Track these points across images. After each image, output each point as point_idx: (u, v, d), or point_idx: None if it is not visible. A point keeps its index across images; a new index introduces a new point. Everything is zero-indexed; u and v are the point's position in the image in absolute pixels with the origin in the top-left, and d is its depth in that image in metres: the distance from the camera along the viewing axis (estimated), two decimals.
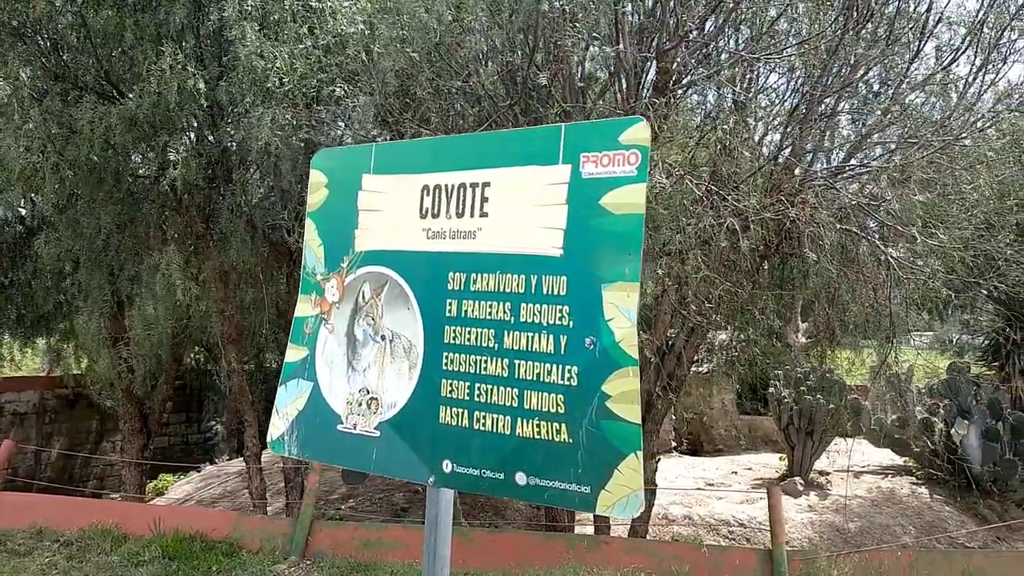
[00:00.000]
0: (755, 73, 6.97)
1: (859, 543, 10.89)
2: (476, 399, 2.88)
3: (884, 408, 14.96)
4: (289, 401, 3.39)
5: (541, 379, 2.73)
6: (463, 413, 2.91)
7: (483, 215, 2.92)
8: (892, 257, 7.45)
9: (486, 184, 2.92)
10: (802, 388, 12.82)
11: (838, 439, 15.78)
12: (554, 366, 2.70)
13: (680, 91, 6.81)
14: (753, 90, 7.03)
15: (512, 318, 2.81)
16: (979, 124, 8.52)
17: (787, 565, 5.96)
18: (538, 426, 2.73)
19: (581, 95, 6.74)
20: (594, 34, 5.90)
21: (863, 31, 6.88)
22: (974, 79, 8.39)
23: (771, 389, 13.25)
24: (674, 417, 15.29)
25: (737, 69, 6.80)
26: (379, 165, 3.27)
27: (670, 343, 8.81)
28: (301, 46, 5.85)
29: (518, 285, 2.80)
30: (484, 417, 2.85)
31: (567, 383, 2.67)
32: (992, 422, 13.16)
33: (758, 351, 16.16)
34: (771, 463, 13.93)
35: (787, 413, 12.84)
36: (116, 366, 9.98)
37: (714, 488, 12.53)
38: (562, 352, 2.69)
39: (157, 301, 7.91)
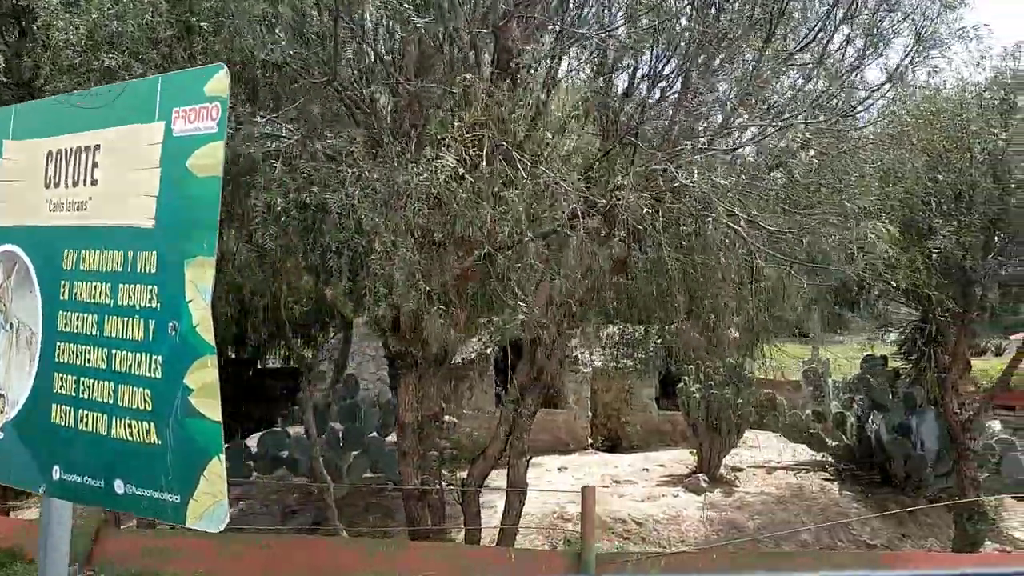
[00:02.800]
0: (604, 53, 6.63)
1: (757, 540, 10.65)
2: (81, 395, 2.49)
3: (803, 403, 14.78)
4: None
5: (132, 372, 2.35)
6: (70, 412, 2.52)
7: (94, 183, 2.53)
8: (756, 246, 7.17)
9: (96, 147, 2.53)
10: (709, 383, 12.55)
11: (757, 434, 15.62)
12: (143, 356, 2.32)
13: (524, 70, 6.46)
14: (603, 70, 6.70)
15: (111, 301, 2.42)
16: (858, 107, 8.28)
17: (595, 568, 5.65)
18: (130, 426, 2.35)
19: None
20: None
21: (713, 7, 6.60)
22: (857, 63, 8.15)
23: (680, 384, 12.98)
24: (591, 414, 14.99)
25: (585, 46, 6.46)
26: (19, 129, 2.86)
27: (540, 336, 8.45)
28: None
29: (117, 263, 2.42)
30: (87, 416, 2.47)
31: (153, 376, 2.29)
32: (906, 417, 12.99)
33: (678, 345, 15.93)
34: (686, 459, 13.66)
35: (695, 408, 12.57)
36: None
37: (606, 487, 12.24)
38: (151, 339, 2.31)
39: None
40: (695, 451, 13.03)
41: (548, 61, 6.33)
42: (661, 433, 15.29)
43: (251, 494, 11.80)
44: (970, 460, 10.53)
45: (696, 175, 6.19)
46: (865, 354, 13.78)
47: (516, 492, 8.44)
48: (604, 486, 12.23)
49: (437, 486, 8.29)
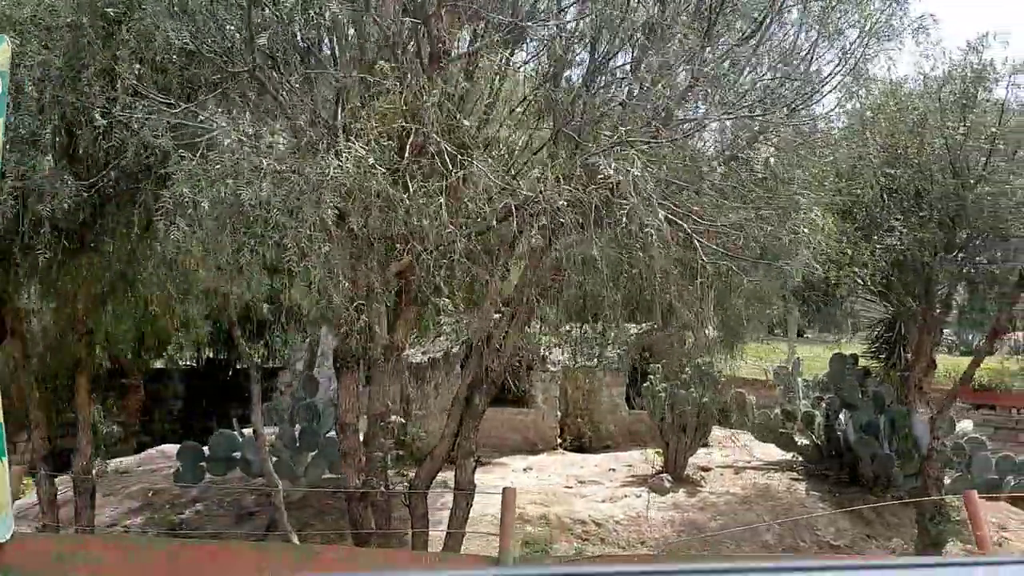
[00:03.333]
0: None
1: (718, 541, 10.50)
2: None
3: (776, 402, 14.64)
4: None
5: None
6: None
7: None
8: (703, 242, 7.00)
9: None
10: (675, 382, 12.39)
11: (736, 434, 15.49)
12: None
13: (453, 61, 6.29)
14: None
15: None
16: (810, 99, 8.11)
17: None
18: None
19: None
20: None
21: None
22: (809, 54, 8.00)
23: (646, 383, 12.82)
24: (559, 413, 14.82)
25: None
26: None
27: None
28: None
29: None
30: None
31: None
32: (875, 416, 12.84)
33: (651, 344, 15.78)
34: (654, 459, 13.49)
35: (660, 408, 12.40)
36: None
37: (571, 489, 12.07)
38: None
39: None
40: (661, 451, 12.87)
41: (480, 51, 6.15)
42: (632, 433, 15.13)
43: (208, 495, 11.61)
44: (934, 460, 10.38)
45: (634, 167, 6.02)
46: (834, 353, 13.65)
47: (463, 494, 8.26)
48: (567, 487, 12.08)
49: (382, 488, 8.11)
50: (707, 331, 10.17)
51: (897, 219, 9.01)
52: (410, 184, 5.24)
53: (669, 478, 12.04)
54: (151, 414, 18.90)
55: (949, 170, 9.02)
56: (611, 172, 5.30)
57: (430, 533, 10.45)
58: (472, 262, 6.04)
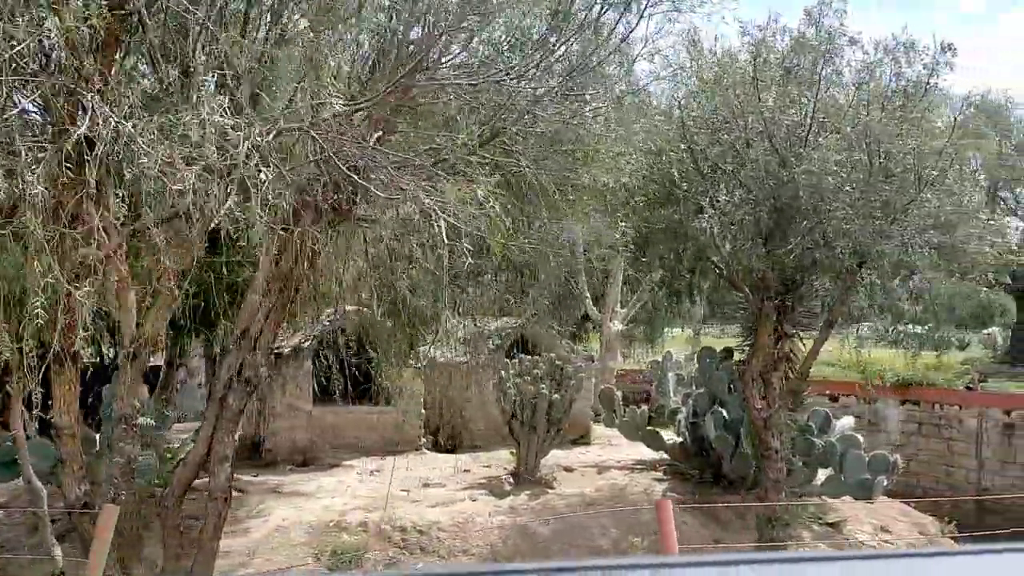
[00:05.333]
0: None
1: (547, 547, 9.80)
2: None
3: (648, 398, 13.99)
4: None
5: None
6: None
7: None
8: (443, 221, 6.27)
9: None
10: (526, 377, 11.66)
11: (600, 432, 14.83)
12: None
13: None
14: None
15: None
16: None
17: None
18: None
19: None
20: None
21: None
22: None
23: (496, 379, 12.09)
24: (424, 411, 14.07)
25: None
26: None
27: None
28: None
29: None
30: None
31: None
32: (742, 413, 12.19)
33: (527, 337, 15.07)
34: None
35: (510, 404, 11.67)
36: None
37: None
38: None
39: None
40: (514, 451, 12.16)
41: None
42: (505, 432, 14.40)
43: (6, 504, 10.79)
44: (773, 460, 9.73)
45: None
46: (702, 347, 13.00)
47: (216, 503, 7.47)
48: (405, 490, 11.32)
49: (122, 497, 7.32)
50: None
51: (706, 200, 8.34)
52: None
53: (511, 480, 11.34)
54: None
55: (771, 149, 8.35)
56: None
57: (240, 540, 9.76)
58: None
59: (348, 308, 11.17)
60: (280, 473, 12.23)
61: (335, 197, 6.60)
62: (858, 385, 14.60)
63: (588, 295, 19.80)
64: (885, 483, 12.10)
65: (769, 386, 10.09)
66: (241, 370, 7.37)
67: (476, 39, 6.59)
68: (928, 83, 8.30)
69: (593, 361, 16.38)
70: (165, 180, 4.39)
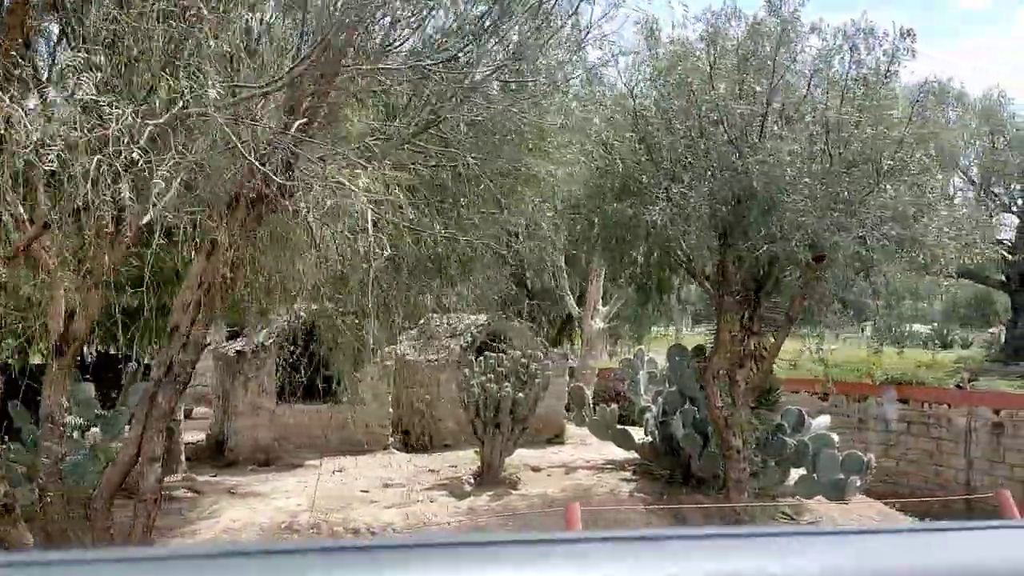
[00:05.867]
0: None
1: None
2: None
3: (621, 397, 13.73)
4: None
5: None
6: None
7: None
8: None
9: None
10: (489, 375, 11.39)
11: (574, 432, 14.56)
12: None
13: None
14: None
15: None
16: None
17: None
18: None
19: None
20: None
21: None
22: None
23: (461, 377, 11.82)
24: (391, 411, 13.82)
25: None
26: None
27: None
28: None
29: None
30: None
31: None
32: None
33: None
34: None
35: (473, 403, 11.41)
36: None
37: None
38: None
39: None
40: (478, 450, 11.89)
41: None
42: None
43: None
44: (735, 460, 9.47)
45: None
46: (672, 344, 12.73)
47: (146, 504, 7.22)
48: (364, 491, 11.07)
49: (48, 498, 7.08)
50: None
51: (661, 190, 8.06)
52: None
53: (471, 480, 11.08)
54: None
55: (723, 136, 8.08)
56: None
57: (187, 542, 9.49)
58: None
59: (306, 305, 10.90)
60: (240, 473, 11.99)
61: (265, 189, 6.36)
62: (818, 383, 14.26)
63: (569, 293, 19.54)
64: (859, 483, 11.82)
65: (735, 384, 9.83)
66: (170, 367, 7.11)
67: (404, 22, 6.32)
68: (888, 70, 8.02)
69: (567, 359, 16.09)
70: (39, 163, 4.13)
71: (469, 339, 14.33)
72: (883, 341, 32.76)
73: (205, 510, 10.15)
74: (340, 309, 9.95)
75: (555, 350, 16.69)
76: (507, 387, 11.27)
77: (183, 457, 11.85)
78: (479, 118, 6.77)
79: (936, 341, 32.23)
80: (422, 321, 14.97)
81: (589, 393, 12.87)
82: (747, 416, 9.31)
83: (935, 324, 35.90)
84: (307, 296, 10.25)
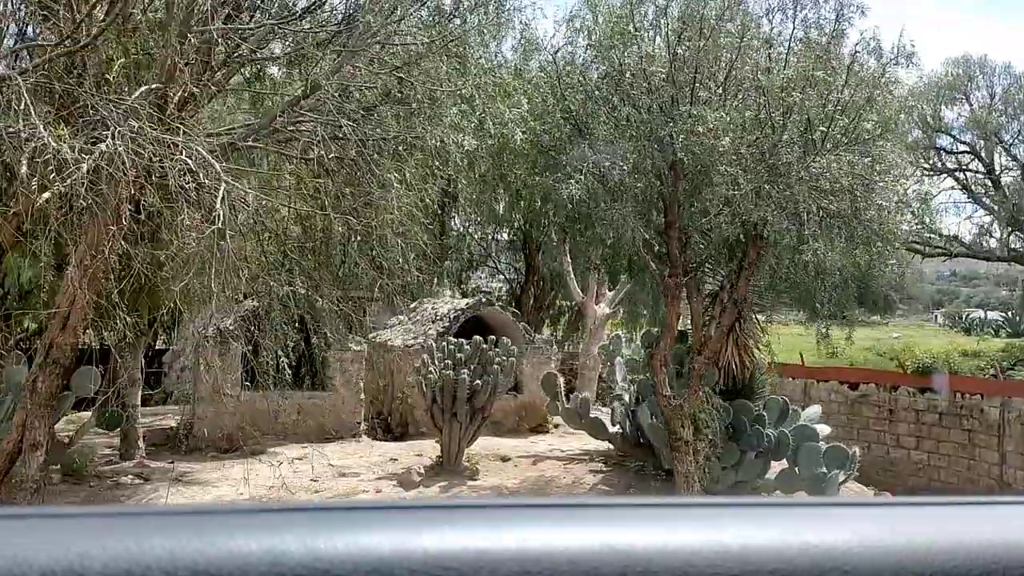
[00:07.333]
0: None
1: None
2: None
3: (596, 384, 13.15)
4: None
5: None
6: None
7: None
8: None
9: None
10: (447, 362, 10.91)
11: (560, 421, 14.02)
12: None
13: None
14: None
15: None
16: None
17: None
18: None
19: None
20: None
21: None
22: None
23: (418, 363, 11.38)
24: (363, 396, 13.45)
25: None
26: None
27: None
28: None
29: None
30: None
31: None
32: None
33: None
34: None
35: (431, 390, 10.95)
36: None
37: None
38: None
39: None
40: (438, 440, 11.44)
41: None
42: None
43: None
44: (682, 452, 8.85)
45: None
46: (644, 330, 12.09)
47: (26, 492, 6.95)
48: (313, 479, 10.73)
49: None
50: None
51: (589, 165, 7.46)
52: None
53: (421, 471, 10.64)
54: None
55: (651, 104, 7.44)
56: None
57: None
58: None
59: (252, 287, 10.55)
60: (200, 460, 11.77)
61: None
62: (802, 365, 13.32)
63: (573, 277, 18.93)
64: (842, 477, 11.07)
65: (693, 372, 9.21)
66: (49, 351, 6.82)
67: None
68: (835, 29, 7.30)
69: (552, 345, 15.49)
70: None
71: (446, 324, 13.89)
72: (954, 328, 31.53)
73: (143, 498, 9.93)
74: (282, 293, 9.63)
75: (541, 335, 16.14)
76: (464, 374, 10.78)
77: (140, 443, 11.65)
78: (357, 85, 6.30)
79: (1008, 329, 30.83)
80: (413, 304, 14.60)
81: (562, 381, 12.30)
82: (705, 406, 8.65)
83: (1010, 312, 34.31)
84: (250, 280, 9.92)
